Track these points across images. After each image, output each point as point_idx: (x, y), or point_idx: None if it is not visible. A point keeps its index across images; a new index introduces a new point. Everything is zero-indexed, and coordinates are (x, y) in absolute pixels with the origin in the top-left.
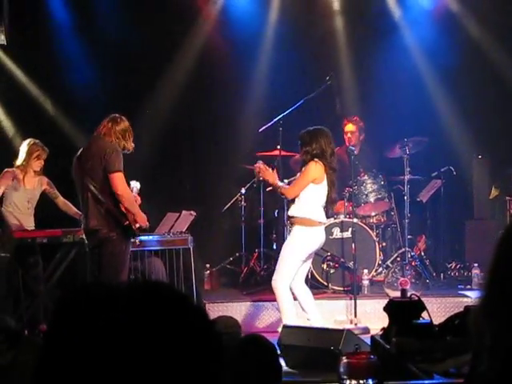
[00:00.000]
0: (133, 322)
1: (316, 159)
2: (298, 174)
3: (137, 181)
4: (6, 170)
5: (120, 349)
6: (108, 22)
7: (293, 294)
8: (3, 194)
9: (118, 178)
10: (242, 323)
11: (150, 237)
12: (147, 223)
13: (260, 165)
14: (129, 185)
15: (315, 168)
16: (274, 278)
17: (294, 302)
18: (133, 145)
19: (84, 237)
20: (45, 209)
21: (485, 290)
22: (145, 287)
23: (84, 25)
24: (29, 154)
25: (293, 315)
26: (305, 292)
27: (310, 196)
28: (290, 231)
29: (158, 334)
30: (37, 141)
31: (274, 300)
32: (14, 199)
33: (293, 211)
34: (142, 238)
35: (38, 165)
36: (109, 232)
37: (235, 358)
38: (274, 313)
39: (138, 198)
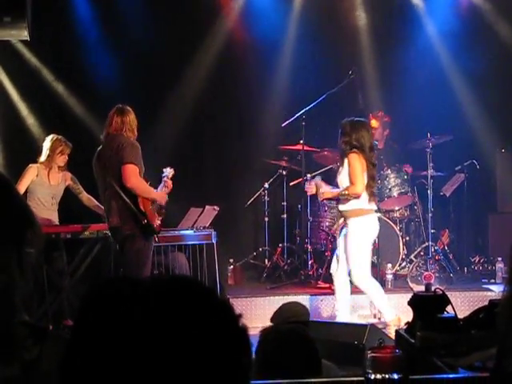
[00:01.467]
0: (158, 316)
1: (356, 150)
2: (341, 167)
3: (171, 168)
4: (29, 165)
5: (145, 343)
6: (131, 17)
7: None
8: (28, 189)
9: (128, 170)
10: (265, 318)
11: (174, 232)
12: (166, 198)
13: (317, 181)
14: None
15: (359, 158)
16: (352, 275)
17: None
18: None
19: (109, 233)
20: (69, 204)
21: (509, 284)
22: (170, 281)
23: (107, 20)
24: (52, 149)
25: (388, 305)
26: (344, 283)
27: None
28: (341, 226)
29: (183, 327)
30: (60, 136)
31: (298, 294)
32: (39, 195)
33: (344, 205)
34: (167, 233)
35: (62, 160)
36: (131, 229)
37: (274, 347)
38: None
39: (170, 183)
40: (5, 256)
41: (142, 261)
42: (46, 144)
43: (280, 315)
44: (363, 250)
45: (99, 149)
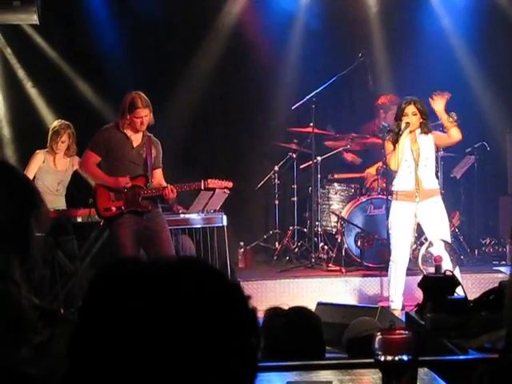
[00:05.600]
0: (166, 298)
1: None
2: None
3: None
4: (36, 151)
5: (153, 324)
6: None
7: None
8: (35, 175)
9: (83, 156)
10: (276, 301)
11: (183, 215)
12: (126, 182)
13: None
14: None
15: None
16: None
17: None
18: (128, 122)
19: None
20: (79, 188)
21: None
22: (179, 263)
23: (118, 3)
24: (55, 135)
25: None
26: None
27: None
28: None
29: (192, 309)
30: (62, 121)
31: (308, 277)
32: (45, 181)
33: (436, 183)
34: (176, 217)
35: (63, 146)
36: None
37: (280, 329)
38: (309, 290)
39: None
40: (4, 261)
41: (113, 245)
42: (53, 129)
43: (353, 329)
44: None
45: None
